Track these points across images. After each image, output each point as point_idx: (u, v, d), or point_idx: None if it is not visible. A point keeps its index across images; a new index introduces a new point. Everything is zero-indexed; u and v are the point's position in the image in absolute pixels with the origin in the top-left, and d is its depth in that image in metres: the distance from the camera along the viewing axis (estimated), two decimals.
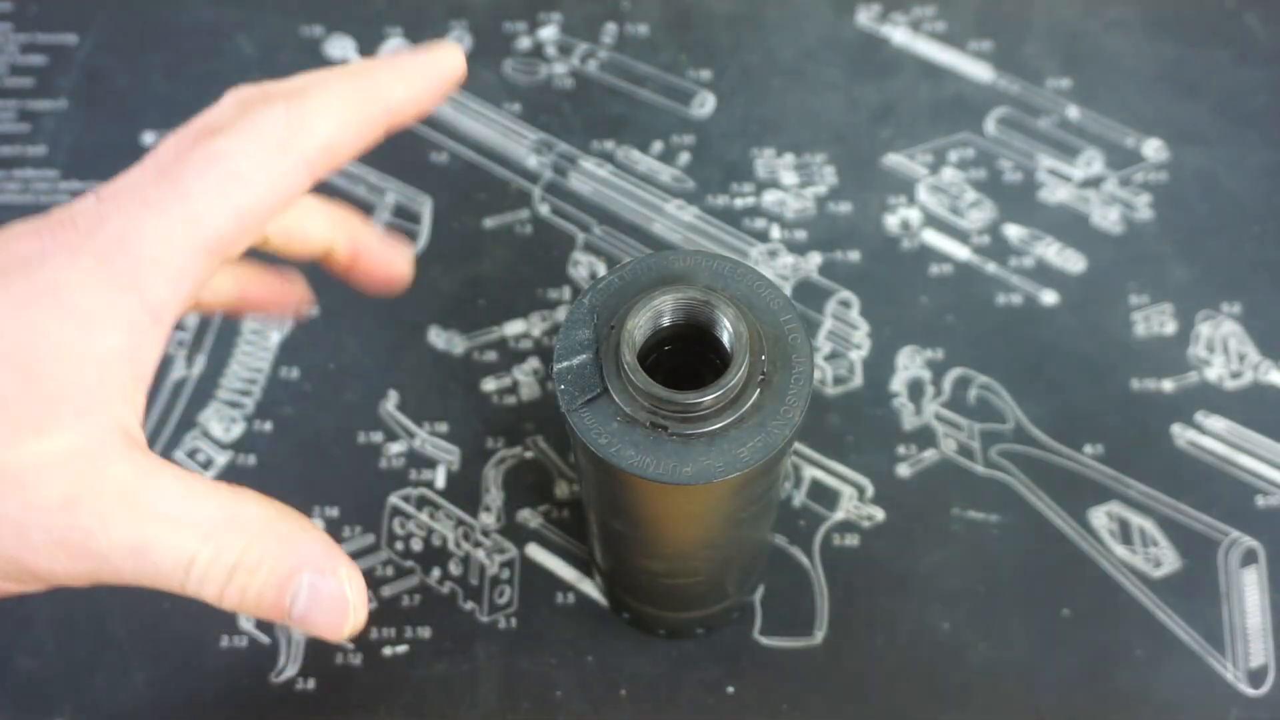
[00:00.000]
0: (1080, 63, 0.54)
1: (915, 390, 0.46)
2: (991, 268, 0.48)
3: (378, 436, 0.45)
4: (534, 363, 0.47)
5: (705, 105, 0.53)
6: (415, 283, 0.48)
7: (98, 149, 0.52)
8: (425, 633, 0.42)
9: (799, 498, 0.44)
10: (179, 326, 0.47)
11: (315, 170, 0.28)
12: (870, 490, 0.44)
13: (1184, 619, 0.41)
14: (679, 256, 0.31)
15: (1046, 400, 0.45)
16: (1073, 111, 0.52)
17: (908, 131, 0.52)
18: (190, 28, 0.55)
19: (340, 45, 0.55)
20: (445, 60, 0.30)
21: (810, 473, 0.44)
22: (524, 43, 0.55)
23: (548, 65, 0.54)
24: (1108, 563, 0.42)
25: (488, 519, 0.44)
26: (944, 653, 0.41)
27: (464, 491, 0.44)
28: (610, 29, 0.55)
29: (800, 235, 0.49)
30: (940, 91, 0.53)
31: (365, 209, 0.50)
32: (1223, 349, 0.46)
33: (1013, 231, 0.49)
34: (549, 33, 0.55)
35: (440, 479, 0.44)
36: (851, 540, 0.43)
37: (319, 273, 0.48)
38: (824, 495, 0.44)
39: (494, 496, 0.44)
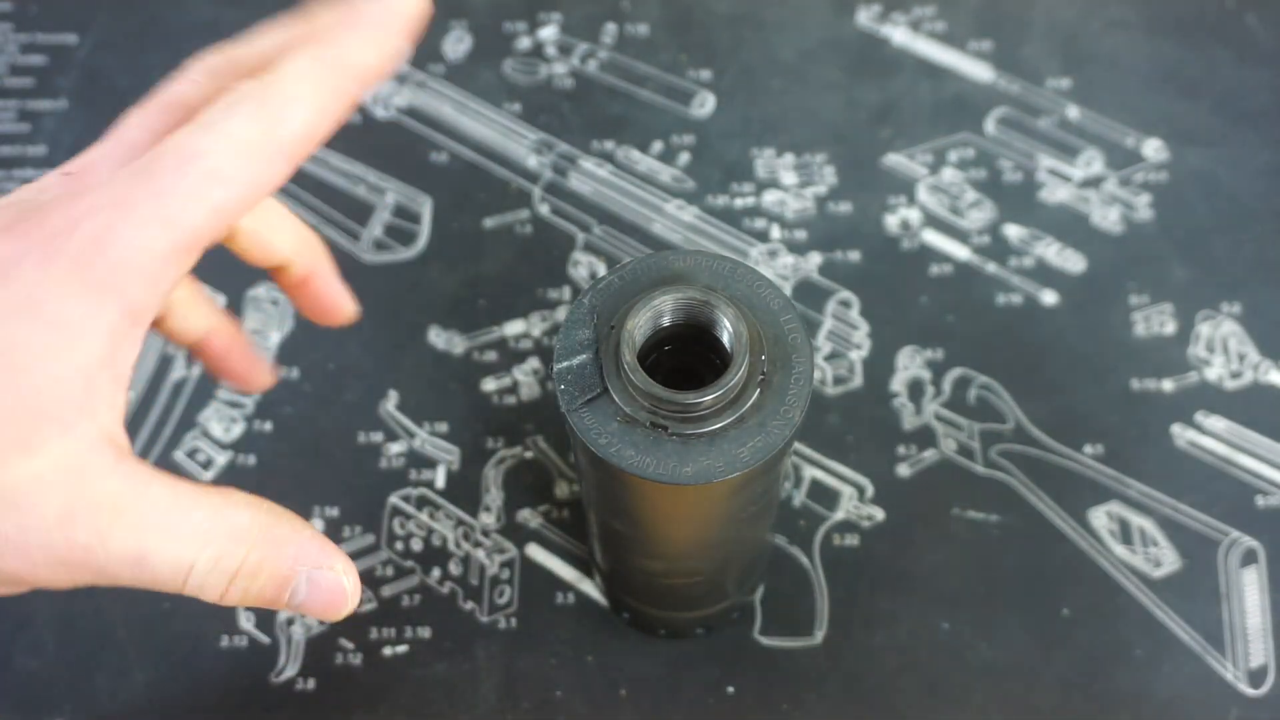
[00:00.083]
0: (1080, 63, 0.54)
1: (915, 390, 0.46)
2: (991, 268, 0.48)
3: (378, 436, 0.45)
4: (534, 363, 0.47)
5: (705, 105, 0.53)
6: (415, 283, 0.49)
7: None
8: (425, 633, 0.42)
9: (799, 498, 0.44)
10: None
11: (294, 160, 0.27)
12: (870, 490, 0.44)
13: (1184, 619, 0.41)
14: (679, 256, 0.31)
15: (1046, 400, 0.45)
16: (1073, 111, 0.52)
17: (908, 131, 0.52)
18: (190, 28, 0.55)
19: None
20: (402, 6, 0.28)
21: (810, 473, 0.44)
22: (524, 43, 0.55)
23: (548, 65, 0.54)
24: (1108, 563, 0.42)
25: (488, 519, 0.44)
26: (944, 653, 0.41)
27: (464, 491, 0.44)
28: (610, 29, 0.55)
29: (800, 235, 0.49)
30: (940, 91, 0.53)
31: (365, 209, 0.50)
32: (1223, 349, 0.46)
33: (1013, 231, 0.49)
34: (549, 33, 0.55)
35: (440, 479, 0.44)
36: (851, 540, 0.43)
37: None
38: (824, 495, 0.44)
39: (494, 496, 0.44)
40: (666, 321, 0.30)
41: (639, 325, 0.29)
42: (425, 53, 0.54)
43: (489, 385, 0.46)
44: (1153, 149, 0.51)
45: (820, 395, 0.46)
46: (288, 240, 0.33)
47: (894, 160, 0.51)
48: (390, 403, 0.46)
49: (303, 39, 0.28)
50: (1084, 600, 0.42)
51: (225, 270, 0.40)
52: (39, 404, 0.24)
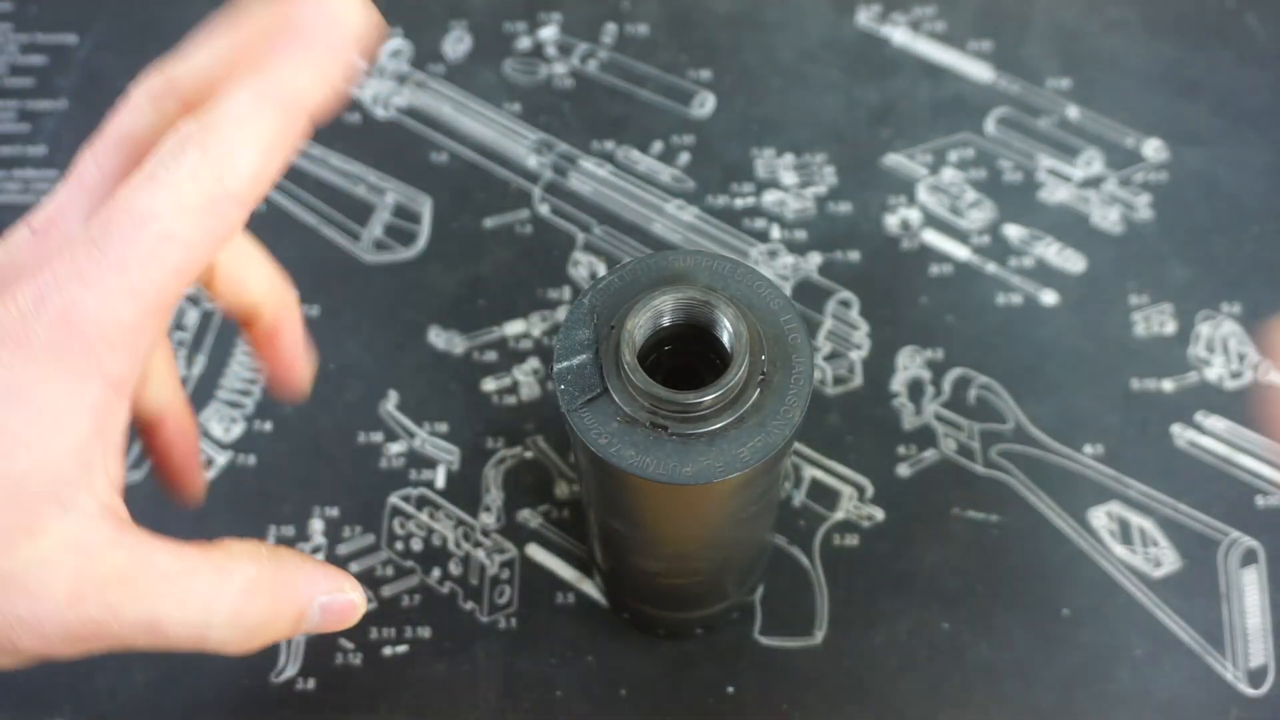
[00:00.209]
0: (1080, 63, 0.54)
1: (915, 390, 0.46)
2: (991, 268, 0.48)
3: (378, 436, 0.45)
4: (534, 363, 0.47)
5: (705, 105, 0.53)
6: (415, 283, 0.49)
7: None
8: (425, 633, 0.42)
9: (799, 498, 0.44)
10: (179, 327, 0.47)
11: (246, 205, 0.26)
12: (870, 490, 0.44)
13: (1184, 619, 0.41)
14: (679, 256, 0.31)
15: (1046, 400, 0.45)
16: (1073, 111, 0.52)
17: (908, 131, 0.52)
18: (190, 28, 0.55)
19: None
20: (344, 19, 0.26)
21: (810, 473, 0.44)
22: (524, 43, 0.55)
23: (548, 65, 0.54)
24: (1108, 563, 0.42)
25: (488, 519, 0.44)
26: (944, 653, 0.41)
27: (464, 491, 0.44)
28: (610, 29, 0.55)
29: (800, 235, 0.49)
30: (940, 91, 0.53)
31: (365, 209, 0.50)
32: (1223, 349, 0.46)
33: (1013, 231, 0.49)
34: (549, 33, 0.55)
35: (440, 479, 0.44)
36: (851, 540, 0.43)
37: (319, 271, 0.48)
38: (824, 495, 0.44)
39: (494, 496, 0.44)
40: (666, 321, 0.30)
41: (639, 325, 0.29)
42: (425, 53, 0.55)
43: (489, 385, 0.46)
44: (1153, 149, 0.51)
45: (820, 395, 0.46)
46: (260, 282, 0.32)
47: (894, 160, 0.51)
48: (390, 403, 0.46)
49: (242, 58, 0.27)
50: (1084, 600, 0.42)
51: None
52: (36, 487, 0.24)
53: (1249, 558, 0.42)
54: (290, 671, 0.41)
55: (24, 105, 0.53)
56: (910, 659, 0.41)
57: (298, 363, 0.34)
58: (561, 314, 0.48)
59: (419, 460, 0.45)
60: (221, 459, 0.45)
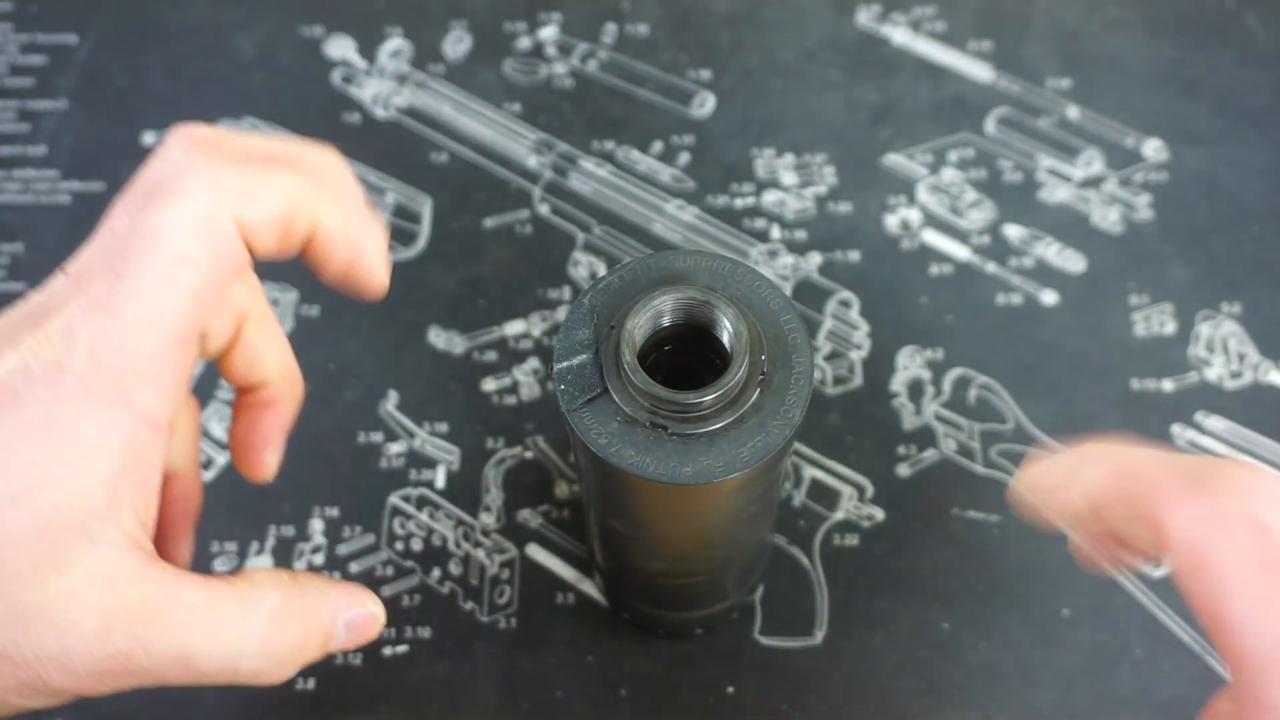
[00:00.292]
0: (1080, 63, 0.54)
1: (915, 390, 0.46)
2: (991, 268, 0.48)
3: (378, 436, 0.45)
4: (534, 363, 0.47)
5: (705, 105, 0.53)
6: (415, 283, 0.49)
7: (98, 149, 0.52)
8: (425, 633, 0.42)
9: (799, 498, 0.44)
10: None
11: (255, 240, 0.27)
12: (870, 490, 0.44)
13: (1184, 619, 0.41)
14: (679, 256, 0.31)
15: (1046, 400, 0.45)
16: (1073, 111, 0.52)
17: (908, 131, 0.52)
18: (190, 28, 0.55)
19: (340, 45, 0.55)
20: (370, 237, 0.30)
21: (810, 473, 0.44)
22: (524, 43, 0.55)
23: (548, 65, 0.54)
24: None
25: (488, 519, 0.44)
26: (944, 653, 0.41)
27: (464, 491, 0.44)
28: (610, 29, 0.55)
29: (800, 235, 0.49)
30: (940, 91, 0.53)
31: None
32: (1223, 349, 0.46)
33: (1013, 231, 0.49)
34: (549, 33, 0.55)
35: (440, 479, 0.44)
36: (851, 540, 0.43)
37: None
38: (824, 495, 0.44)
39: (494, 496, 0.44)
40: (666, 321, 0.30)
41: (639, 325, 0.29)
42: (425, 53, 0.55)
43: (489, 385, 0.46)
44: (1153, 149, 0.51)
45: (820, 395, 0.46)
46: (275, 362, 0.33)
47: (894, 160, 0.51)
48: (390, 403, 0.46)
49: (283, 157, 0.28)
50: (1084, 600, 0.42)
51: None
52: (65, 520, 0.25)
53: None
54: None
55: (24, 105, 0.53)
56: (910, 659, 0.41)
57: (270, 445, 0.33)
58: (561, 314, 0.48)
59: (419, 460, 0.45)
60: (221, 459, 0.45)
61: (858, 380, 0.46)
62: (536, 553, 0.43)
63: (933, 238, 0.49)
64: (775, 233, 0.49)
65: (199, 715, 0.40)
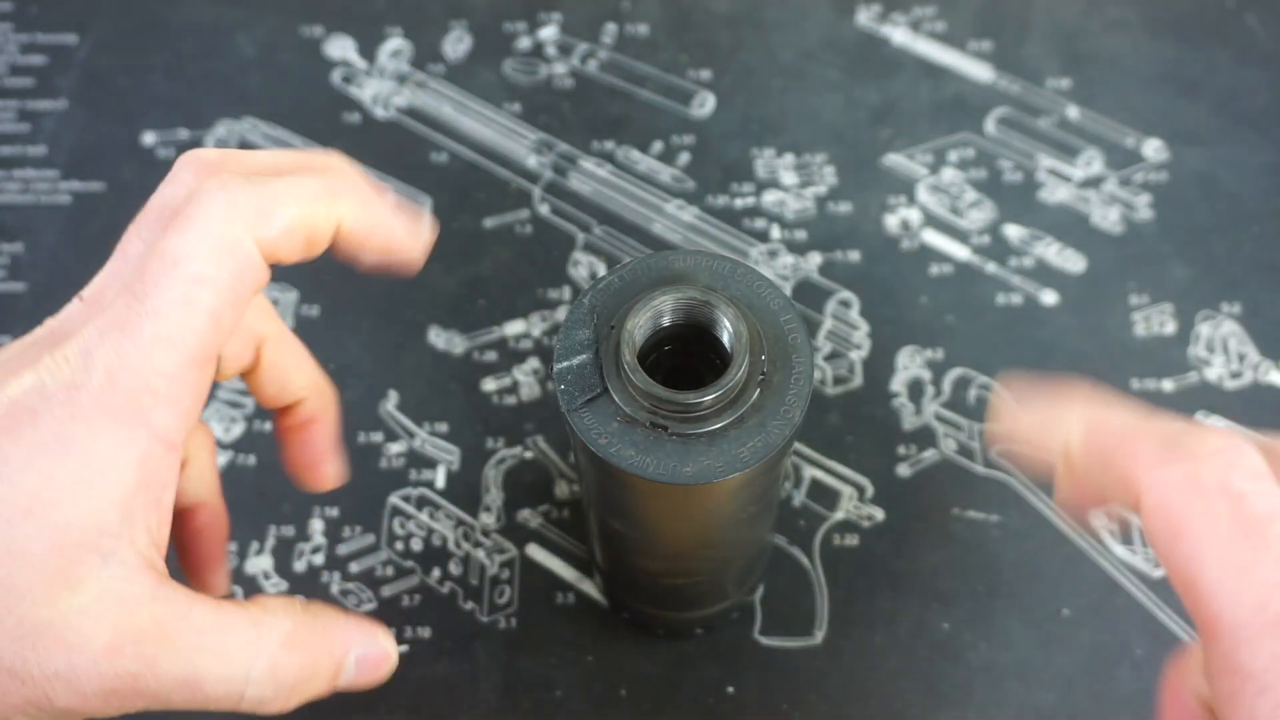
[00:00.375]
0: (1080, 63, 0.54)
1: (915, 390, 0.46)
2: (991, 268, 0.48)
3: (378, 436, 0.45)
4: (534, 363, 0.47)
5: (705, 105, 0.53)
6: (415, 283, 0.49)
7: (98, 149, 0.52)
8: (425, 633, 0.42)
9: (799, 498, 0.44)
10: None
11: (273, 255, 0.27)
12: (870, 490, 0.44)
13: (1184, 619, 0.41)
14: (679, 256, 0.31)
15: None
16: (1073, 111, 0.52)
17: (908, 131, 0.52)
18: (190, 28, 0.55)
19: (340, 45, 0.55)
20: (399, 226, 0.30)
21: (810, 473, 0.44)
22: (524, 43, 0.55)
23: (548, 65, 0.54)
24: (1108, 563, 0.42)
25: (488, 519, 0.44)
26: (944, 653, 0.41)
27: (464, 491, 0.44)
28: (610, 29, 0.55)
29: (800, 235, 0.49)
30: (940, 91, 0.53)
31: None
32: (1223, 349, 0.46)
33: (1013, 231, 0.49)
34: (549, 33, 0.55)
35: (440, 479, 0.44)
36: (851, 540, 0.43)
37: (319, 272, 0.48)
38: (824, 495, 0.44)
39: (494, 496, 0.44)
40: (666, 321, 0.30)
41: (639, 325, 0.29)
42: (425, 53, 0.55)
43: (489, 385, 0.46)
44: (1153, 149, 0.51)
45: (820, 395, 0.46)
46: (304, 380, 0.33)
47: (894, 160, 0.51)
48: (390, 403, 0.46)
49: (292, 165, 0.28)
50: (1084, 600, 0.42)
51: None
52: (78, 537, 0.25)
53: None
54: None
55: (24, 105, 0.53)
56: (910, 659, 0.41)
57: (326, 457, 0.34)
58: (561, 314, 0.48)
59: (419, 460, 0.45)
60: (221, 459, 0.45)
61: (858, 380, 0.46)
62: (536, 553, 0.43)
63: (933, 238, 0.49)
64: (775, 233, 0.49)
65: (199, 715, 0.40)
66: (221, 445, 0.45)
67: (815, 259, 0.49)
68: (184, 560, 0.34)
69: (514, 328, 0.47)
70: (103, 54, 0.55)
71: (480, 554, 0.43)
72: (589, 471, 0.31)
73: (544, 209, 0.50)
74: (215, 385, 0.46)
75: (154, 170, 0.51)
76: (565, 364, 0.29)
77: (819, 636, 0.41)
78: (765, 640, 0.41)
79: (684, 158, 0.51)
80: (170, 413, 0.26)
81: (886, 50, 0.54)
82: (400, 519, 0.44)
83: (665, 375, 0.31)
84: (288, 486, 0.44)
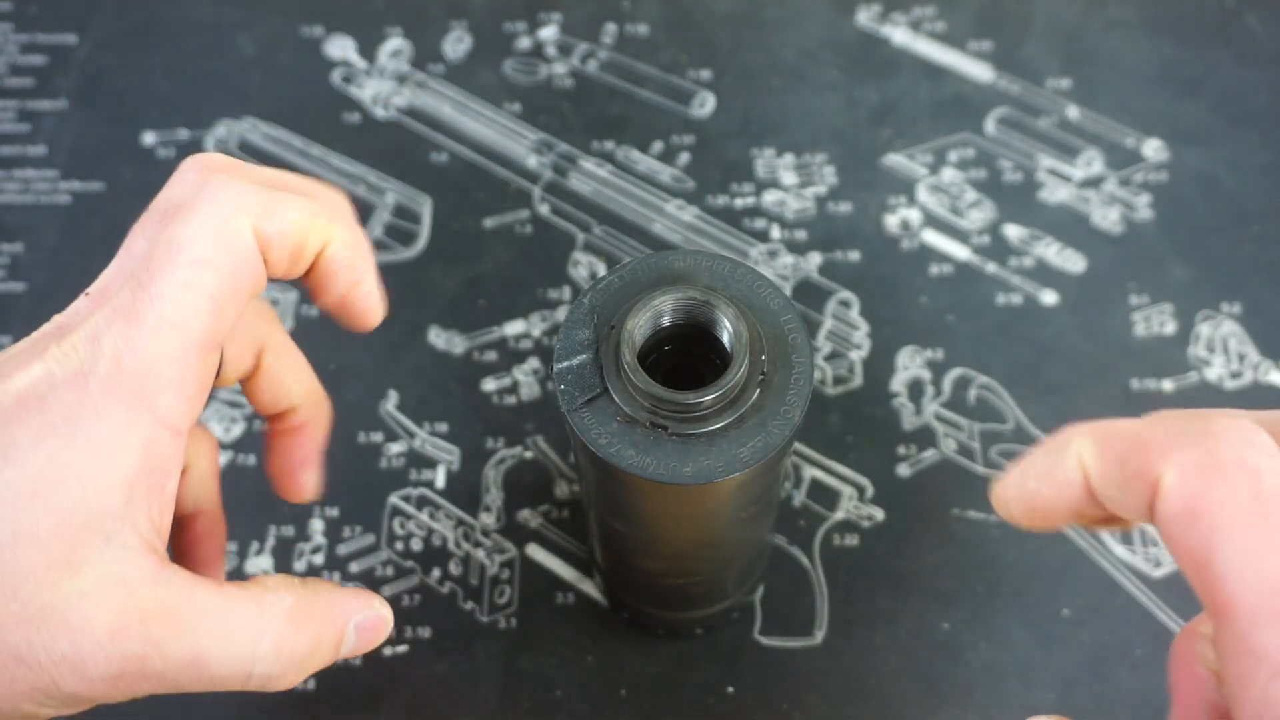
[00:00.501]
0: (1080, 63, 0.54)
1: (915, 390, 0.46)
2: (991, 268, 0.48)
3: (378, 436, 0.45)
4: (534, 363, 0.47)
5: (705, 105, 0.53)
6: (415, 283, 0.49)
7: (98, 149, 0.52)
8: (425, 633, 0.42)
9: (799, 498, 0.44)
10: None
11: (273, 249, 0.27)
12: (870, 490, 0.44)
13: (1184, 619, 0.41)
14: (679, 256, 0.31)
15: (1046, 400, 0.45)
16: (1073, 111, 0.52)
17: (908, 131, 0.52)
18: (190, 28, 0.55)
19: (340, 45, 0.55)
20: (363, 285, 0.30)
21: (810, 473, 0.44)
22: (524, 43, 0.55)
23: (548, 65, 0.54)
24: (1108, 563, 0.42)
25: (488, 519, 0.44)
26: (944, 653, 0.41)
27: (464, 491, 0.44)
28: (610, 29, 0.55)
29: (800, 235, 0.49)
30: (940, 91, 0.53)
31: (365, 209, 0.50)
32: (1223, 349, 0.46)
33: (1013, 231, 0.49)
34: (549, 33, 0.55)
35: (440, 479, 0.44)
36: (851, 540, 0.43)
37: None
38: (824, 495, 0.44)
39: (494, 496, 0.44)
40: (666, 321, 0.30)
41: (639, 325, 0.29)
42: (425, 53, 0.55)
43: (489, 385, 0.46)
44: (1153, 149, 0.51)
45: (820, 395, 0.46)
46: (301, 387, 0.34)
47: (894, 160, 0.51)
48: (390, 403, 0.46)
49: (296, 185, 0.29)
50: (1084, 600, 0.42)
51: None
52: (82, 519, 0.25)
53: None
54: None
55: (24, 105, 0.53)
56: (910, 659, 0.41)
57: (307, 466, 0.35)
58: (561, 314, 0.48)
59: (419, 460, 0.45)
60: (221, 459, 0.45)
61: (858, 380, 0.46)
62: (536, 553, 0.43)
63: (933, 238, 0.49)
64: (775, 233, 0.49)
65: (199, 715, 0.40)
66: (221, 445, 0.45)
67: (815, 259, 0.49)
68: (181, 566, 0.34)
69: (514, 328, 0.47)
70: (103, 54, 0.55)
71: (480, 554, 0.43)
72: (589, 471, 0.31)
73: (544, 209, 0.50)
74: (215, 390, 0.46)
75: (154, 170, 0.51)
76: (565, 364, 0.29)
77: (819, 636, 0.41)
78: (765, 640, 0.41)
79: (684, 158, 0.51)
80: (175, 397, 0.26)
81: (886, 50, 0.54)
82: (400, 519, 0.44)
83: (665, 375, 0.31)
84: None
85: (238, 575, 0.43)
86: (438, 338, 0.47)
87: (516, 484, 0.44)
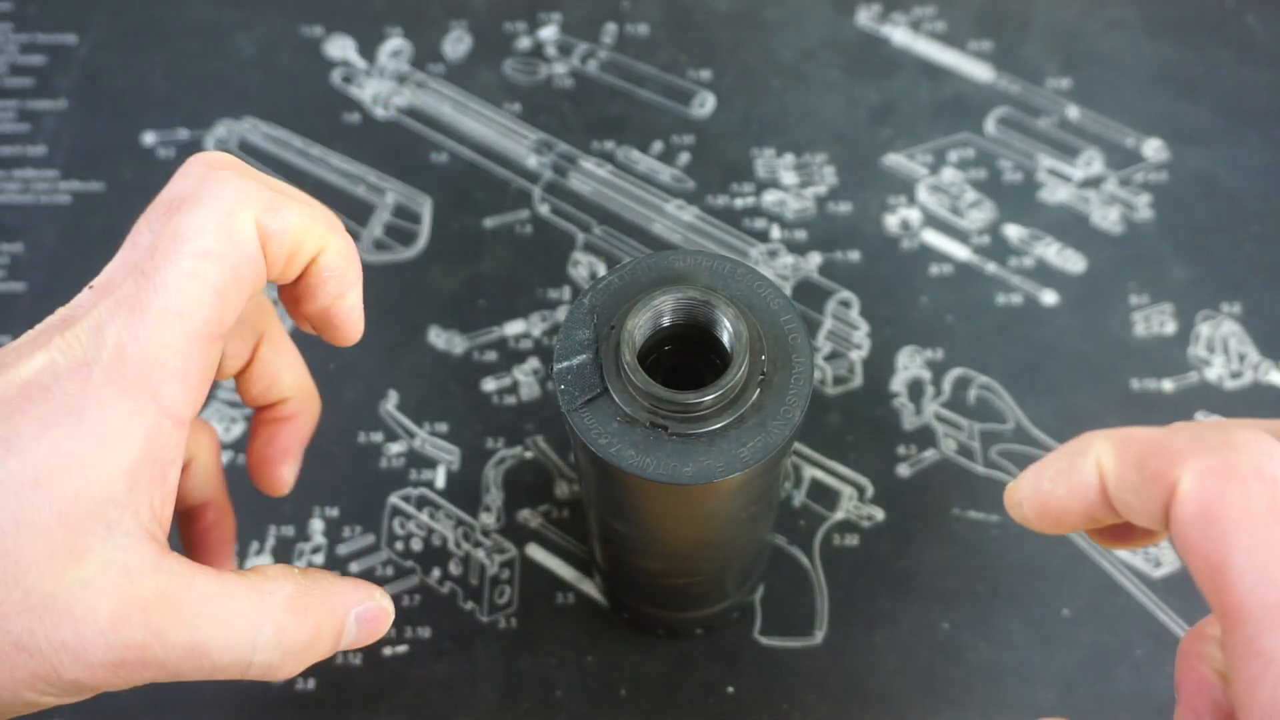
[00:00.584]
0: (1080, 63, 0.54)
1: (915, 390, 0.46)
2: (991, 268, 0.48)
3: (378, 436, 0.45)
4: (534, 363, 0.47)
5: (705, 105, 0.53)
6: (415, 283, 0.49)
7: (98, 149, 0.52)
8: (425, 633, 0.42)
9: (799, 498, 0.44)
10: None
11: (273, 246, 0.28)
12: (870, 490, 0.44)
13: (1184, 619, 0.41)
14: (679, 256, 0.31)
15: (1046, 400, 0.45)
16: (1073, 111, 0.52)
17: (908, 131, 0.52)
18: (190, 28, 0.55)
19: (340, 45, 0.55)
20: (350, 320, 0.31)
21: (810, 473, 0.44)
22: (524, 43, 0.55)
23: (548, 65, 0.54)
24: (1108, 563, 0.42)
25: (488, 519, 0.44)
26: (944, 653, 0.41)
27: (464, 491, 0.44)
28: (610, 29, 0.55)
29: (800, 235, 0.49)
30: (940, 91, 0.53)
31: (365, 209, 0.50)
32: (1223, 349, 0.46)
33: (1013, 231, 0.49)
34: (549, 33, 0.55)
35: (440, 479, 0.44)
36: (851, 540, 0.43)
37: None
38: (824, 495, 0.44)
39: (494, 496, 0.44)
40: (666, 321, 0.30)
41: (639, 325, 0.29)
42: (425, 53, 0.55)
43: (489, 385, 0.46)
44: (1153, 149, 0.51)
45: (820, 395, 0.46)
46: (292, 381, 0.34)
47: (894, 160, 0.51)
48: (390, 403, 0.46)
49: (296, 193, 0.29)
50: (1084, 600, 0.42)
51: None
52: (85, 507, 0.25)
53: None
54: None
55: (24, 105, 0.53)
56: (910, 659, 0.41)
57: (288, 457, 0.35)
58: (561, 314, 0.48)
59: (419, 460, 0.45)
60: (221, 459, 0.45)
61: (858, 380, 0.46)
62: (536, 553, 0.43)
63: (933, 238, 0.49)
64: (775, 233, 0.49)
65: (199, 715, 0.40)
66: (221, 445, 0.45)
67: (815, 259, 0.49)
68: (192, 558, 0.35)
69: (514, 328, 0.47)
70: (102, 54, 0.55)
71: (480, 554, 0.43)
72: (589, 471, 0.31)
73: (544, 209, 0.50)
74: (215, 385, 0.46)
75: (154, 170, 0.51)
76: (565, 364, 0.29)
77: (819, 636, 0.41)
78: (765, 640, 0.41)
79: (684, 158, 0.51)
80: (178, 386, 0.26)
81: (886, 50, 0.54)
82: (400, 519, 0.44)
83: (665, 375, 0.31)
84: None
85: None
86: (438, 338, 0.47)
87: (516, 484, 0.44)
